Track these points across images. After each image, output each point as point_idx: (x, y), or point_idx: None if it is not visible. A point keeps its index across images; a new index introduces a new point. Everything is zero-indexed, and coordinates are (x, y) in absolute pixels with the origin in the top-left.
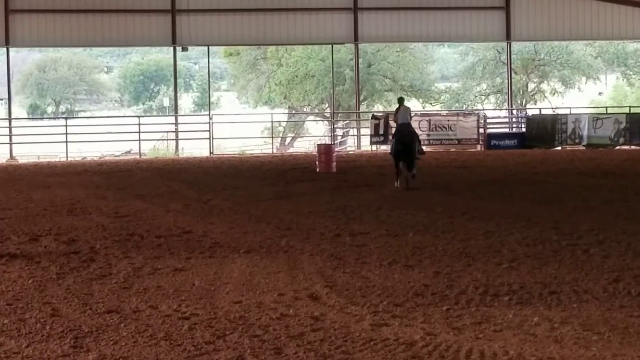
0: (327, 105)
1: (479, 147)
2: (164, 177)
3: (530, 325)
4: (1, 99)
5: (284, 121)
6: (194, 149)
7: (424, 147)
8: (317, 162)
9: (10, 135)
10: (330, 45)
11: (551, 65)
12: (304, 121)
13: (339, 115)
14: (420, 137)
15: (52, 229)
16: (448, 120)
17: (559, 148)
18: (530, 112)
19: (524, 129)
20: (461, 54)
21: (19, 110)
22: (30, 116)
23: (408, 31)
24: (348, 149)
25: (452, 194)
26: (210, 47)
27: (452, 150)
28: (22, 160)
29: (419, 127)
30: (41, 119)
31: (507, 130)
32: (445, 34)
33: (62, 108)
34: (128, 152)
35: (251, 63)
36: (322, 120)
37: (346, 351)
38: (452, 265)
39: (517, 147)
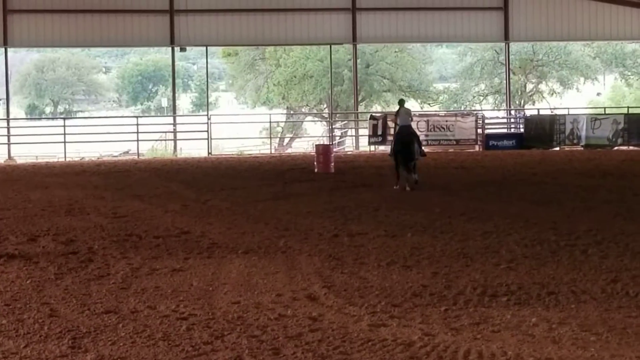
0: (325, 105)
1: (477, 148)
2: (162, 177)
3: (529, 326)
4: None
5: (282, 121)
6: (192, 149)
7: (423, 149)
8: (315, 163)
9: (9, 136)
10: (329, 46)
11: (549, 65)
12: (302, 121)
13: (337, 115)
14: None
15: (50, 230)
16: (446, 121)
17: (557, 148)
18: (528, 113)
19: (522, 130)
20: (459, 55)
21: (17, 111)
22: (29, 116)
23: (406, 31)
24: (346, 149)
25: (451, 194)
26: (208, 48)
27: (450, 150)
28: (20, 161)
29: (417, 128)
30: (39, 119)
31: (505, 130)
32: (444, 35)
33: (60, 108)
34: (126, 153)
35: (249, 63)
36: (321, 121)
37: (344, 352)
38: (450, 266)
39: (515, 148)
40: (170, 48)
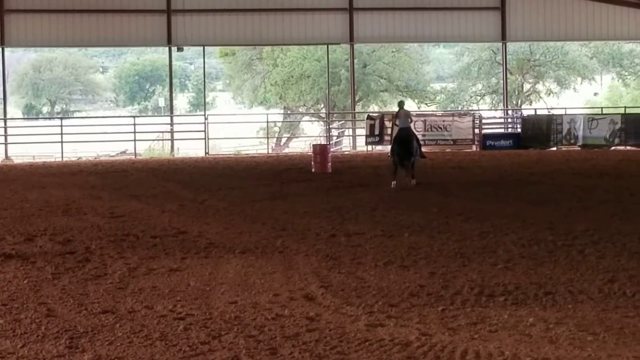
0: (322, 105)
1: (474, 148)
2: (159, 177)
3: (526, 326)
4: None
5: (279, 121)
6: (190, 149)
7: (422, 150)
8: (312, 163)
9: (6, 136)
10: (326, 46)
11: (546, 65)
12: (300, 121)
13: (335, 115)
14: None
15: (48, 229)
16: (443, 121)
17: (554, 148)
18: (525, 113)
19: (519, 130)
20: (456, 55)
21: (14, 111)
22: (26, 116)
23: (403, 31)
24: (343, 149)
25: (448, 194)
26: (205, 47)
27: (447, 150)
28: (17, 161)
29: (415, 128)
30: (36, 119)
31: (502, 130)
32: (441, 35)
33: (57, 108)
34: (123, 153)
35: (247, 63)
36: (318, 121)
37: (341, 352)
38: (447, 266)
39: (512, 148)
40: (167, 48)
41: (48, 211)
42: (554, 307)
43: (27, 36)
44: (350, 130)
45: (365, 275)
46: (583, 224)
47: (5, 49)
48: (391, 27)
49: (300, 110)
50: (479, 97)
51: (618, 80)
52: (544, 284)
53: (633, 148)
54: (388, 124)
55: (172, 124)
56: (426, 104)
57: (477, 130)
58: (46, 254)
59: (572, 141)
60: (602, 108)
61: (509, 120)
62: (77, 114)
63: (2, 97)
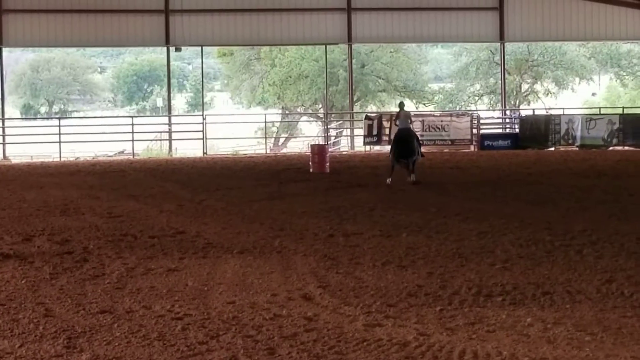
0: (320, 105)
1: (472, 148)
2: (157, 177)
3: (524, 326)
4: None
5: (277, 121)
6: (188, 149)
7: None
8: (310, 163)
9: (4, 136)
10: (324, 46)
11: (544, 65)
12: (298, 121)
13: (333, 115)
14: None
15: (46, 229)
16: (441, 121)
17: (553, 149)
18: (523, 113)
19: (517, 130)
20: (455, 55)
21: (12, 110)
22: (24, 116)
23: (402, 32)
24: (341, 149)
25: (446, 194)
26: (203, 48)
27: (445, 150)
28: (15, 161)
29: (413, 128)
30: (34, 119)
31: (500, 130)
32: (439, 35)
33: (55, 108)
34: (121, 153)
35: (245, 63)
36: (316, 121)
37: (339, 351)
38: (445, 266)
39: (510, 148)
40: (165, 48)
41: (46, 211)
42: (552, 307)
43: (25, 36)
44: (348, 130)
45: (363, 275)
46: (581, 224)
47: (3, 49)
48: (389, 27)
49: (298, 110)
50: (477, 98)
51: (616, 81)
52: (542, 284)
53: (631, 148)
54: (386, 124)
55: (170, 124)
56: (424, 104)
57: (475, 131)
58: (44, 254)
59: (570, 141)
60: (600, 108)
61: (507, 120)
62: (75, 114)
63: (0, 97)
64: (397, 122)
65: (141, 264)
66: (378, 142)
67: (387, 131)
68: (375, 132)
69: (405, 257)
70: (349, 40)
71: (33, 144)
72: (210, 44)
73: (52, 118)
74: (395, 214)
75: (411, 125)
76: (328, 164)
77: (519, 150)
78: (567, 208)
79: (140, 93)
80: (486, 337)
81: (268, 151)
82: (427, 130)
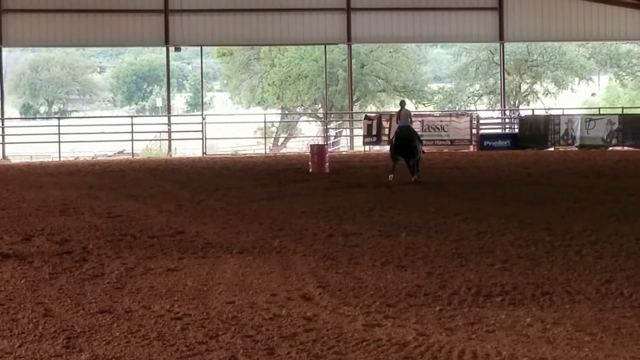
0: (320, 105)
1: (471, 148)
2: (156, 177)
3: (523, 326)
4: None
5: (277, 121)
6: (187, 149)
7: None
8: (310, 163)
9: (3, 135)
10: (324, 46)
11: (544, 66)
12: (297, 121)
13: (332, 115)
14: None
15: (45, 229)
16: (441, 121)
17: (552, 149)
18: (523, 113)
19: (516, 130)
20: (454, 55)
21: (11, 110)
22: (23, 116)
23: (401, 32)
24: (341, 149)
25: (445, 194)
26: (203, 48)
27: (445, 151)
28: (14, 160)
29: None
30: (34, 118)
31: (500, 131)
32: (439, 35)
33: (54, 108)
34: (121, 152)
35: (244, 63)
36: (315, 121)
37: (339, 352)
38: (444, 266)
39: (510, 148)
40: (165, 48)
41: (45, 211)
42: (551, 307)
43: (25, 36)
44: (348, 130)
45: (363, 275)
46: (580, 224)
47: (3, 49)
48: (389, 27)
49: (297, 110)
50: (476, 98)
51: (615, 81)
52: (541, 284)
53: (630, 148)
54: (385, 124)
55: (169, 124)
56: (424, 104)
57: (474, 131)
58: (43, 253)
59: (570, 141)
60: (599, 108)
61: (507, 120)
62: (74, 114)
63: None
64: (398, 121)
65: (140, 263)
66: (377, 142)
67: (386, 131)
68: (374, 132)
69: (404, 257)
70: (349, 40)
71: (32, 144)
72: (210, 43)
73: (51, 118)
74: (394, 214)
75: (411, 125)
76: (327, 164)
77: (519, 151)
78: (567, 208)
79: (139, 93)
80: (485, 337)
81: (267, 151)
82: (427, 130)
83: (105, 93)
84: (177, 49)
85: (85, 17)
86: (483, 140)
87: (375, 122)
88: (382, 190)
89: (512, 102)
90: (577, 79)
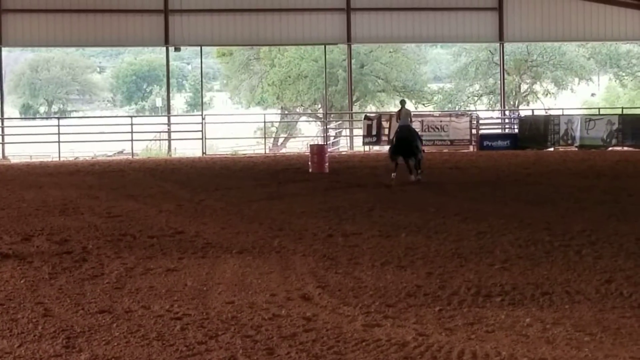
0: (319, 105)
1: (471, 148)
2: (156, 177)
3: (523, 326)
4: None
5: (276, 121)
6: (187, 149)
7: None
8: (309, 163)
9: (3, 135)
10: (323, 46)
11: (544, 66)
12: (297, 122)
13: (332, 115)
14: None
15: (45, 229)
16: (441, 121)
17: (552, 149)
18: (522, 113)
19: (516, 130)
20: (454, 55)
21: (11, 110)
22: (23, 116)
23: (401, 32)
24: (341, 149)
25: (445, 194)
26: (203, 48)
27: (444, 151)
28: (14, 160)
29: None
30: (33, 118)
31: (499, 131)
32: (438, 35)
33: (54, 108)
34: (120, 152)
35: (244, 63)
36: (315, 121)
37: (338, 352)
38: (444, 266)
39: (509, 148)
40: (164, 48)
41: (45, 211)
42: (551, 307)
43: (25, 36)
44: (348, 130)
45: (362, 275)
46: (580, 224)
47: (3, 49)
48: (389, 28)
49: (297, 110)
50: (476, 98)
51: (615, 81)
52: (541, 284)
53: (630, 149)
54: (385, 124)
55: (169, 124)
56: (423, 104)
57: (474, 131)
58: (43, 253)
59: (570, 142)
60: (599, 109)
61: (507, 120)
62: (74, 114)
63: None
64: (398, 120)
65: (140, 263)
66: (377, 142)
67: (386, 131)
68: (374, 132)
69: (404, 257)
70: (348, 40)
71: (32, 144)
72: (210, 44)
73: (51, 118)
74: (394, 214)
75: (411, 124)
76: (327, 164)
77: (518, 151)
78: (566, 208)
79: (139, 93)
80: (485, 337)
81: (267, 151)
82: (427, 130)
83: (105, 93)
84: (177, 49)
85: (85, 17)
86: (483, 141)
87: (375, 122)
88: (381, 190)
89: (511, 103)
90: (576, 79)
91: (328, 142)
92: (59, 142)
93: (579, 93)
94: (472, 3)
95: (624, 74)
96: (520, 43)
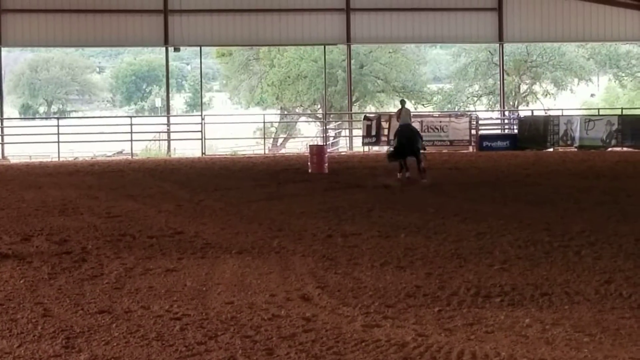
0: (319, 106)
1: (471, 149)
2: (156, 177)
3: (522, 327)
4: None
5: (276, 122)
6: (186, 149)
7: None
8: (309, 163)
9: (2, 135)
10: (323, 46)
11: (543, 66)
12: (296, 122)
13: (331, 116)
14: None
15: (44, 229)
16: (440, 122)
17: (551, 149)
18: (522, 114)
19: (516, 131)
20: (453, 55)
21: (10, 110)
22: (22, 116)
23: (400, 32)
24: (340, 149)
25: (444, 195)
26: (202, 48)
27: (444, 151)
28: (13, 160)
29: None
30: (33, 119)
31: (499, 131)
32: (438, 35)
33: (54, 108)
34: (120, 153)
35: (243, 64)
36: (314, 121)
37: (338, 352)
38: (444, 267)
39: (509, 149)
40: (164, 48)
41: (44, 211)
42: (551, 308)
43: (24, 36)
44: (347, 130)
45: (362, 275)
46: (580, 225)
47: (2, 49)
48: (388, 28)
49: (297, 110)
50: (475, 98)
51: (615, 82)
52: (540, 285)
53: (630, 149)
54: (385, 124)
55: (168, 124)
56: (423, 104)
57: (473, 131)
58: (43, 253)
59: (569, 142)
60: (599, 109)
61: (506, 121)
62: (73, 114)
63: None
64: (399, 120)
65: (140, 264)
66: (377, 142)
67: (385, 132)
68: (374, 133)
69: (403, 257)
70: (348, 40)
71: (32, 144)
72: (209, 44)
73: (50, 118)
74: (393, 214)
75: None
76: (327, 164)
77: (518, 151)
78: (566, 209)
79: (138, 93)
80: (484, 338)
81: (267, 151)
82: (426, 131)
83: (105, 93)
84: (177, 49)
85: (85, 17)
86: (482, 141)
87: (374, 122)
88: (381, 190)
89: (511, 103)
90: (576, 80)
91: (327, 143)
92: (58, 142)
93: (578, 93)
94: (471, 3)
95: (623, 75)
96: (519, 43)
